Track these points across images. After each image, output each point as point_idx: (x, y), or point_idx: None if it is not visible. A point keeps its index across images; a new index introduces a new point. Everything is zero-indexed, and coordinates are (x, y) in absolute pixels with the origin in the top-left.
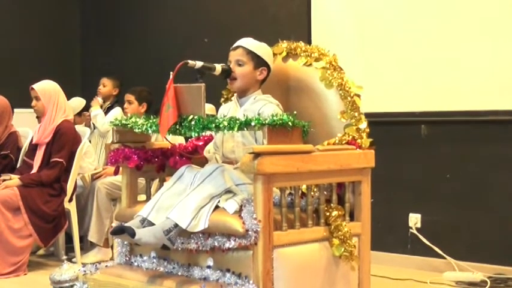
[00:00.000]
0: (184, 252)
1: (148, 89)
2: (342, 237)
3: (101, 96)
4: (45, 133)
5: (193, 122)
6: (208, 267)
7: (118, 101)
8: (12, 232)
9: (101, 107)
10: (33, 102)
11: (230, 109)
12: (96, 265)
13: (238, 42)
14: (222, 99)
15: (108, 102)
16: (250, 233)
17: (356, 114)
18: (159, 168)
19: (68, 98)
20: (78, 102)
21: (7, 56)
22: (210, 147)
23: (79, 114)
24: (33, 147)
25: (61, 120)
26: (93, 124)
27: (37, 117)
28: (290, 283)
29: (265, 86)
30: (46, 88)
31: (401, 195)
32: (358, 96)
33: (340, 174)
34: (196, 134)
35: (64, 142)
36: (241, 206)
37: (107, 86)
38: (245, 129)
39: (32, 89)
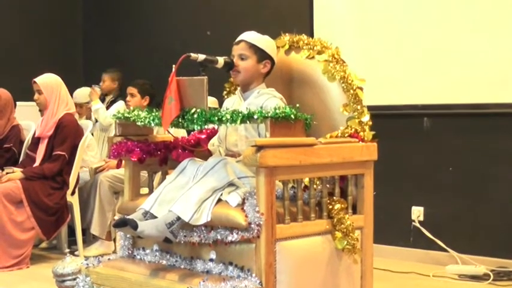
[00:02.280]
0: (187, 245)
1: (150, 82)
2: (345, 230)
3: (103, 92)
4: (47, 126)
5: (195, 115)
6: (211, 260)
7: (121, 94)
8: (14, 225)
9: (103, 100)
10: (36, 96)
11: (234, 103)
12: (98, 258)
13: (241, 36)
14: (225, 92)
15: (111, 96)
16: (252, 226)
17: (358, 107)
18: (161, 161)
19: (71, 91)
20: (88, 91)
21: (9, 49)
22: (214, 140)
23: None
24: (35, 141)
25: (63, 114)
26: (95, 117)
27: (40, 110)
28: (293, 276)
29: (268, 79)
30: (48, 81)
31: (404, 188)
32: (361, 89)
33: (343, 167)
34: (198, 127)
35: (66, 135)
36: (243, 199)
37: (105, 81)
38: (248, 122)
39: (34, 82)
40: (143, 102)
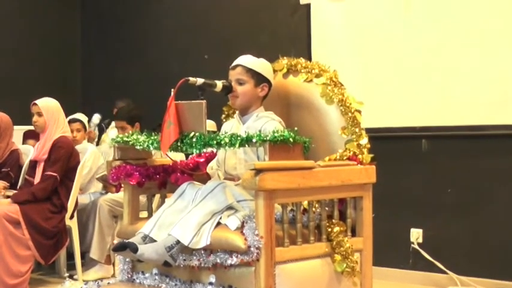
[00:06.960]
0: (187, 269)
1: (130, 104)
2: (344, 253)
3: None
4: (43, 150)
5: (194, 139)
6: (211, 283)
7: None
8: (13, 249)
9: (109, 124)
10: (35, 118)
11: (233, 126)
12: (98, 282)
13: (237, 61)
14: (223, 116)
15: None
16: (252, 249)
17: (357, 129)
18: (160, 185)
19: (69, 114)
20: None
21: (7, 73)
22: (213, 163)
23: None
24: (32, 164)
25: (58, 136)
26: (97, 142)
27: (34, 136)
28: None
29: (266, 102)
30: (49, 105)
31: (403, 210)
32: (359, 112)
33: (342, 190)
34: (197, 151)
35: (59, 156)
36: (243, 223)
37: None
38: (246, 145)
39: (34, 104)
40: (135, 130)
